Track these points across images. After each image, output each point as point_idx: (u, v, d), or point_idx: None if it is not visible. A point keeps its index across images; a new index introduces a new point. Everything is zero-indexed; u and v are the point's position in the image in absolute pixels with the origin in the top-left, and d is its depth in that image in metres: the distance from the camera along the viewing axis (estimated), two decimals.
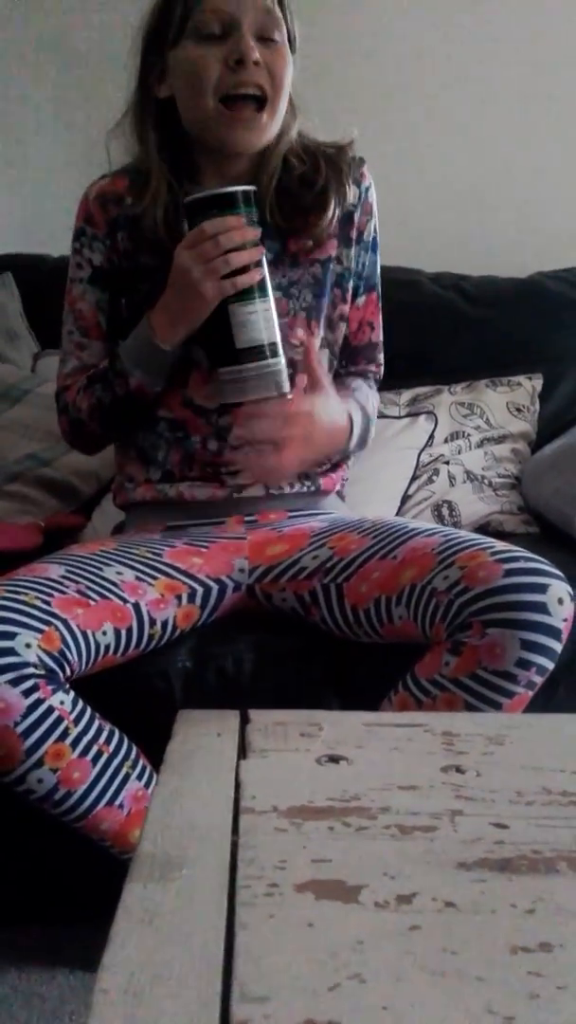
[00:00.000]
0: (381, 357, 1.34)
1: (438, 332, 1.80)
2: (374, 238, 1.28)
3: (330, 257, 1.23)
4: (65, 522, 1.53)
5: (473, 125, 1.99)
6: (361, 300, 1.29)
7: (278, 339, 1.11)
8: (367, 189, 1.25)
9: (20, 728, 0.89)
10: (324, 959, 0.37)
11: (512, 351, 1.80)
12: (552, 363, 1.81)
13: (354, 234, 1.25)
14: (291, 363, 1.14)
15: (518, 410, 1.72)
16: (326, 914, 0.41)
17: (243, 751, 0.60)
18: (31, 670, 0.90)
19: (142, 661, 1.07)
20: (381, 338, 1.33)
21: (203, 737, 0.62)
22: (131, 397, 1.16)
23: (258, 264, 1.08)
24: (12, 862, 1.18)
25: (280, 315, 1.12)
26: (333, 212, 1.18)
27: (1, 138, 1.97)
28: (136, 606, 1.04)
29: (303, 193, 1.18)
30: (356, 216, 1.24)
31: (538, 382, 1.78)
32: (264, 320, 1.10)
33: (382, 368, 1.35)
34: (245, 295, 1.08)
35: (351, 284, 1.26)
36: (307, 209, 1.18)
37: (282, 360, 1.11)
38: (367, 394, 1.29)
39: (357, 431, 1.21)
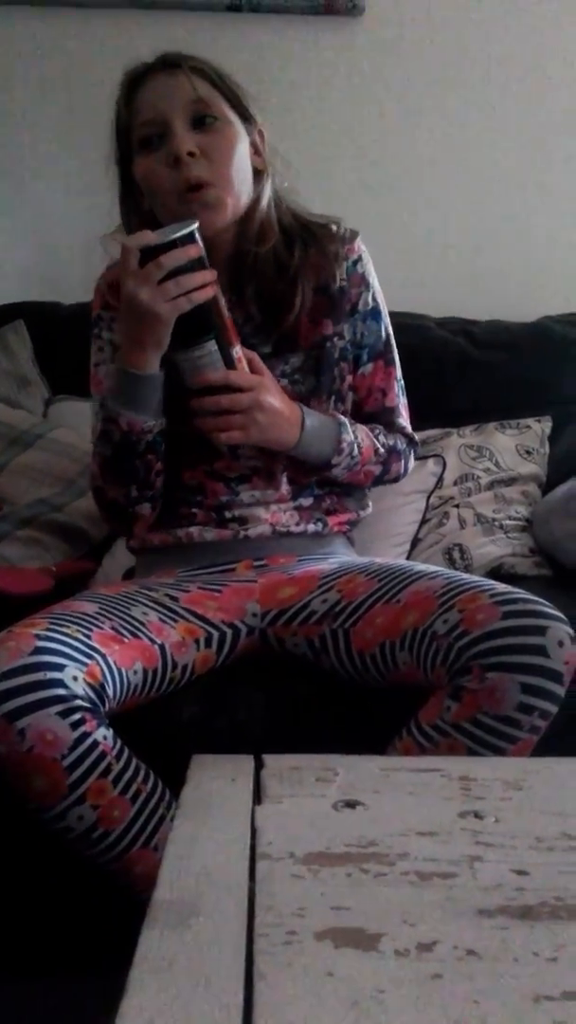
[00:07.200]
0: (402, 422, 1.31)
1: (446, 376, 1.82)
2: (372, 307, 1.28)
3: (325, 336, 1.23)
4: (75, 568, 1.53)
5: (476, 172, 2.03)
6: (368, 368, 1.28)
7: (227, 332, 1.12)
8: (355, 262, 1.26)
9: (66, 762, 0.87)
10: (345, 1009, 0.37)
11: (520, 394, 1.81)
12: (560, 405, 1.82)
13: (348, 307, 1.25)
14: None
15: (527, 452, 1.73)
16: (346, 963, 0.40)
17: (258, 796, 0.59)
18: (79, 702, 0.89)
19: (152, 705, 1.07)
20: (397, 403, 1.31)
21: (217, 782, 0.62)
22: (127, 440, 1.13)
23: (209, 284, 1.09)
24: (24, 912, 1.16)
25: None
26: (299, 308, 1.19)
27: (12, 187, 2.00)
28: (162, 647, 1.04)
29: (276, 286, 1.20)
30: (348, 290, 1.25)
31: (547, 424, 1.78)
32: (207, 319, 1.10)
33: (407, 429, 1.32)
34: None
35: (352, 355, 1.26)
36: (278, 305, 1.20)
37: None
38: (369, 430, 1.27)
39: (312, 426, 1.18)
